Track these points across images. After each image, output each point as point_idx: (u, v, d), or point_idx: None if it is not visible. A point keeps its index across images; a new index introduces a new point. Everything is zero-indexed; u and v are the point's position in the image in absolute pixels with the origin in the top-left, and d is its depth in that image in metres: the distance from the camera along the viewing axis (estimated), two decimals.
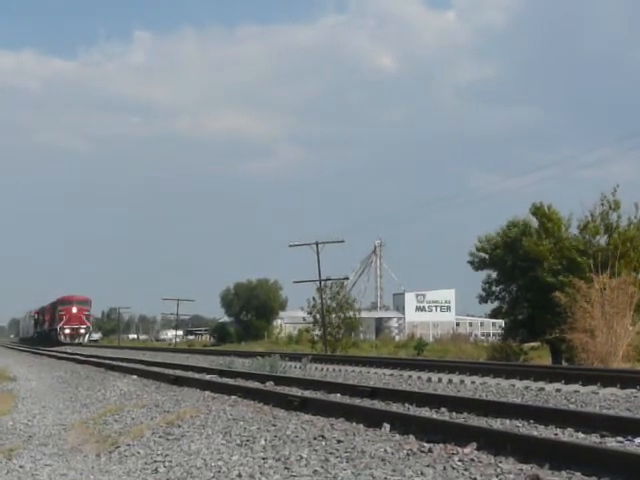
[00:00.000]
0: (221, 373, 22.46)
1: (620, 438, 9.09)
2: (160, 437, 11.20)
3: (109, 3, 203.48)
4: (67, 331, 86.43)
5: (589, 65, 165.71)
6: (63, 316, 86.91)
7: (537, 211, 51.65)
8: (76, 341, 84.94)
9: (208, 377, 21.58)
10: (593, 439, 9.28)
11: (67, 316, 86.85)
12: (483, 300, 56.58)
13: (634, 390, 14.72)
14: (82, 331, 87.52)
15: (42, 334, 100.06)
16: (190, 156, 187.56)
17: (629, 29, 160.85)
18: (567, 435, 9.68)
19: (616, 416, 10.89)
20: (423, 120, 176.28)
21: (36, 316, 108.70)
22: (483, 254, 55.20)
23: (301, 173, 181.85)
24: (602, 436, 9.32)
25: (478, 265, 55.54)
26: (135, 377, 23.71)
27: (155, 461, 9.60)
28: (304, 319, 71.84)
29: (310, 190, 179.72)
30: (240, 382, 19.44)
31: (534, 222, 52.33)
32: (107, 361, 33.96)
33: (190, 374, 23.32)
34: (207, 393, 17.02)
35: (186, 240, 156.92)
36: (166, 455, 9.79)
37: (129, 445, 11.03)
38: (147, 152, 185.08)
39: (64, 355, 44.53)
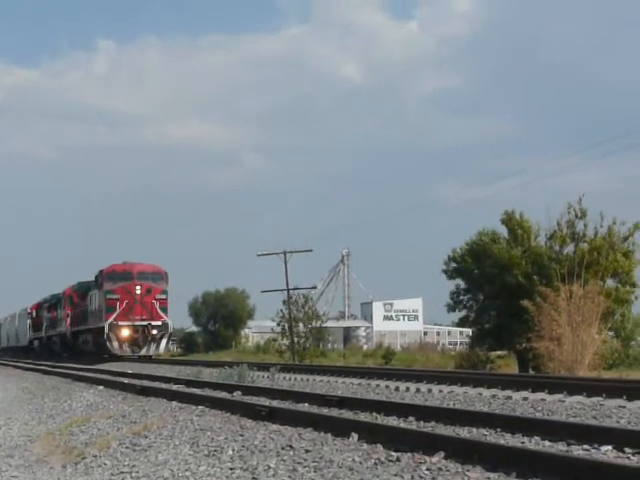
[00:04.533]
0: (188, 383, 22.37)
1: (586, 446, 9.13)
2: (127, 448, 11.14)
3: (73, 12, 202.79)
4: (125, 333, 47.34)
5: (553, 75, 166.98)
6: (116, 303, 47.57)
7: (508, 219, 51.88)
8: (143, 352, 47.79)
9: (175, 387, 21.49)
10: (559, 447, 9.31)
11: (125, 302, 47.69)
12: (451, 309, 56.77)
13: (600, 398, 14.80)
14: (155, 332, 47.70)
15: (53, 341, 64.45)
16: (156, 165, 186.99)
17: (592, 40, 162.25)
18: (534, 443, 9.71)
19: (582, 424, 10.94)
20: (389, 130, 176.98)
21: (36, 313, 70.77)
22: (454, 263, 55.40)
23: (268, 182, 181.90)
24: (569, 444, 9.36)
25: (451, 274, 55.72)
26: (102, 388, 23.57)
27: (122, 472, 9.55)
28: (272, 329, 71.76)
29: (277, 199, 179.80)
30: (208, 392, 19.36)
31: (503, 231, 52.55)
32: (73, 372, 33.72)
33: (157, 384, 23.19)
34: (174, 403, 16.94)
35: (153, 249, 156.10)
36: (133, 466, 9.73)
37: (95, 456, 10.96)
38: (113, 161, 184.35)
39: (30, 366, 44.01)
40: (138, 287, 47.89)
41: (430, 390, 18.47)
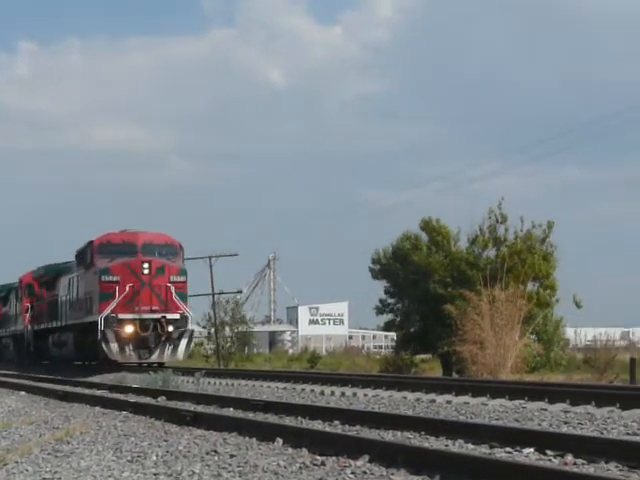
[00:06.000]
0: (112, 388, 22.17)
1: (509, 449, 9.24)
2: (49, 454, 10.99)
3: None
4: (128, 330, 32.98)
5: (475, 83, 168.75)
6: (114, 287, 33.20)
7: (426, 225, 52.33)
8: (154, 357, 33.60)
9: (99, 393, 21.28)
10: (483, 450, 9.41)
11: (128, 286, 33.22)
12: (380, 312, 57.10)
13: (522, 401, 14.98)
14: (171, 328, 33.36)
15: (2, 344, 53.59)
16: (78, 168, 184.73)
17: (515, 48, 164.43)
18: (457, 446, 9.80)
19: (505, 427, 11.07)
20: (313, 135, 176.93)
21: None
22: (378, 266, 55.72)
23: (192, 186, 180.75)
24: (491, 447, 9.46)
25: (376, 275, 55.99)
26: (23, 393, 23.26)
27: (44, 478, 9.42)
28: (200, 333, 71.40)
29: (202, 203, 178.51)
30: (131, 397, 19.21)
31: (425, 236, 52.99)
32: None
33: (80, 390, 22.97)
34: (97, 409, 16.79)
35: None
36: (55, 472, 9.61)
37: (17, 462, 10.79)
38: (34, 164, 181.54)
39: None
40: (146, 265, 32.99)
41: (355, 394, 18.53)
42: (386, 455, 8.60)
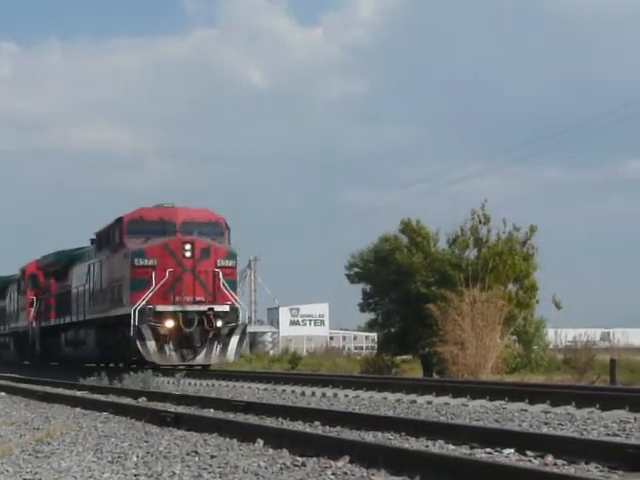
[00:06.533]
0: (92, 389, 22.12)
1: (489, 449, 9.26)
2: (29, 455, 10.96)
3: None
4: (169, 325, 27.11)
5: (459, 84, 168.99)
6: (150, 273, 27.41)
7: (405, 227, 52.41)
8: (200, 358, 28.03)
9: (79, 393, 21.24)
10: (463, 451, 9.43)
11: (168, 271, 27.45)
12: (362, 309, 57.19)
13: (502, 402, 15.02)
14: (220, 323, 27.60)
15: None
16: (60, 169, 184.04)
17: (499, 49, 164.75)
18: (438, 447, 9.82)
19: (485, 427, 11.10)
20: (295, 136, 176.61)
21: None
22: (356, 269, 55.75)
23: (173, 187, 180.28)
24: (472, 447, 9.48)
25: (353, 279, 56.05)
26: (3, 394, 23.15)
27: (24, 479, 9.39)
28: None
29: (185, 204, 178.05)
30: (112, 398, 19.18)
31: (404, 237, 53.05)
32: None
33: (60, 390, 22.91)
34: (78, 410, 16.75)
35: None
36: (35, 473, 9.57)
37: None
38: (16, 165, 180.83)
39: None
40: (188, 246, 27.66)
41: (336, 395, 18.54)
42: (367, 456, 8.61)
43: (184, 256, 27.58)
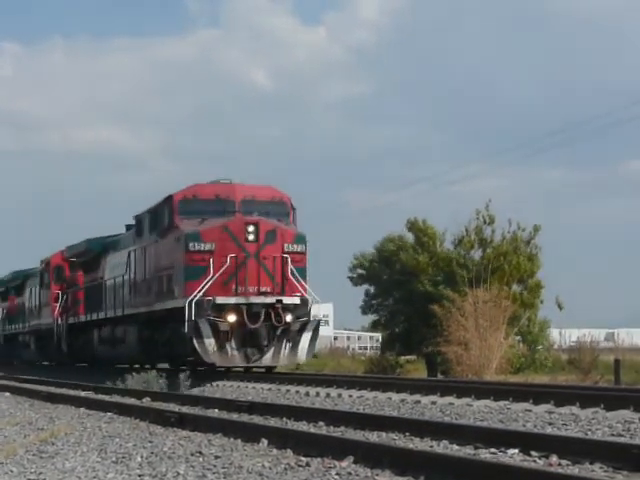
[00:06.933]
0: (97, 389, 22.13)
1: (493, 449, 9.26)
2: (34, 455, 10.97)
3: None
4: (230, 319, 23.10)
5: (461, 84, 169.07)
6: (208, 260, 23.49)
7: (412, 226, 52.35)
8: (266, 359, 24.03)
9: (83, 394, 21.25)
10: (467, 451, 9.42)
11: (229, 257, 23.49)
12: (364, 312, 57.15)
13: (507, 402, 15.00)
14: (289, 318, 23.76)
15: (20, 342, 45.01)
16: (61, 169, 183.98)
17: (501, 50, 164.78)
18: (442, 447, 9.82)
19: (489, 428, 11.09)
20: (297, 136, 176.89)
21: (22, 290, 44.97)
22: (360, 270, 55.71)
23: (176, 187, 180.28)
24: (476, 448, 9.47)
25: (356, 281, 56.01)
26: (8, 394, 23.18)
27: (28, 479, 9.41)
28: None
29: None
30: (116, 398, 19.19)
31: (410, 237, 53.01)
32: None
33: (65, 391, 22.92)
34: (82, 410, 16.77)
35: None
36: (40, 473, 9.59)
37: (2, 463, 10.76)
38: (17, 165, 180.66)
39: None
40: (251, 227, 23.84)
41: (340, 395, 18.53)
42: (371, 456, 8.61)
43: (247, 239, 23.70)
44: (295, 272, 24.15)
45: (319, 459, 8.98)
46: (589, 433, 10.94)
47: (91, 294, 33.94)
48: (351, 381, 20.98)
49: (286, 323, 23.71)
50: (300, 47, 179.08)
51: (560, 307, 47.53)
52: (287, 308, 23.78)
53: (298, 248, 24.70)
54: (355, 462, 8.67)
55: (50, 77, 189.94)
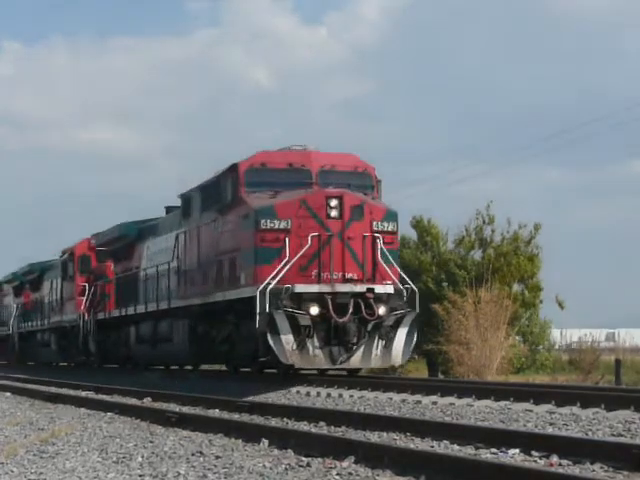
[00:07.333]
0: (97, 389, 22.13)
1: (494, 450, 9.26)
2: (34, 455, 10.98)
3: None
4: (313, 312, 19.12)
5: (463, 84, 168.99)
6: (283, 240, 19.57)
7: (417, 224, 52.33)
8: (355, 360, 19.85)
9: (84, 394, 21.25)
10: (468, 451, 9.43)
11: (309, 237, 19.47)
12: None
13: (508, 402, 15.00)
14: (382, 310, 19.59)
15: (38, 340, 41.54)
16: (62, 169, 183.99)
17: (505, 49, 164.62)
18: (443, 447, 9.82)
19: (490, 428, 11.09)
20: (298, 136, 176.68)
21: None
22: None
23: (179, 187, 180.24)
24: (477, 448, 9.48)
25: None
26: (9, 394, 23.19)
27: (29, 479, 9.41)
28: None
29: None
30: (117, 398, 19.20)
31: (412, 235, 52.98)
32: None
33: (65, 391, 22.92)
34: (83, 410, 16.78)
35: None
36: (40, 473, 9.59)
37: (2, 464, 10.77)
38: (17, 165, 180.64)
39: None
40: (334, 202, 20.03)
41: (341, 395, 18.51)
42: (372, 456, 8.62)
43: (329, 216, 19.89)
44: (388, 255, 20.36)
45: (320, 459, 8.99)
46: (590, 433, 10.93)
47: (124, 286, 30.19)
48: (352, 381, 20.98)
49: (379, 316, 19.78)
50: (301, 46, 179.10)
51: (561, 306, 47.54)
52: (380, 299, 19.91)
53: (389, 227, 20.84)
54: (356, 462, 8.68)
55: (51, 76, 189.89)
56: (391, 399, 17.19)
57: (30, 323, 41.76)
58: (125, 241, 30.75)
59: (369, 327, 19.81)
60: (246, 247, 20.43)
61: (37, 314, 40.94)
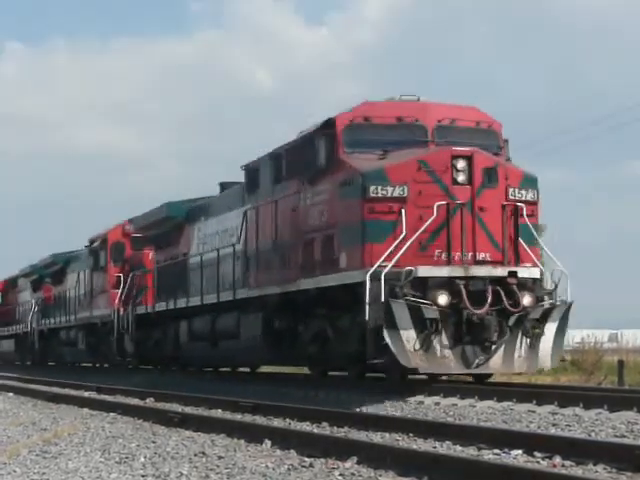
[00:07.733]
0: (100, 390, 22.13)
1: (497, 450, 9.25)
2: (37, 455, 10.97)
3: None
4: (443, 300, 14.92)
5: (463, 85, 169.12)
6: (398, 211, 15.33)
7: None
8: (495, 363, 15.70)
9: (87, 394, 21.26)
10: (471, 452, 9.42)
11: (437, 205, 15.12)
12: None
13: (510, 403, 14.97)
14: (528, 300, 15.26)
15: (61, 339, 38.08)
16: (64, 170, 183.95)
17: (505, 51, 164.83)
18: (445, 448, 9.81)
19: (493, 429, 11.08)
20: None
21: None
22: None
23: (180, 188, 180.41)
24: (479, 449, 9.47)
25: None
26: (11, 394, 23.20)
27: (32, 479, 9.41)
28: None
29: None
30: (119, 399, 19.20)
31: None
32: None
33: (67, 391, 22.93)
34: (85, 410, 16.77)
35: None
36: (43, 474, 9.59)
37: (5, 464, 10.77)
38: (20, 166, 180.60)
39: None
40: (461, 163, 15.60)
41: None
42: (374, 457, 8.61)
43: (455, 181, 15.72)
44: (532, 230, 16.52)
45: (322, 460, 8.98)
46: (593, 434, 10.92)
47: (169, 276, 25.98)
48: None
49: (523, 308, 15.74)
50: (303, 47, 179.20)
51: None
52: (524, 285, 15.84)
53: (528, 195, 16.51)
54: (359, 463, 8.67)
55: (53, 77, 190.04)
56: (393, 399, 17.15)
57: (52, 320, 38.32)
58: (170, 224, 26.58)
59: (511, 321, 15.91)
60: (349, 221, 16.38)
61: (60, 310, 37.37)
